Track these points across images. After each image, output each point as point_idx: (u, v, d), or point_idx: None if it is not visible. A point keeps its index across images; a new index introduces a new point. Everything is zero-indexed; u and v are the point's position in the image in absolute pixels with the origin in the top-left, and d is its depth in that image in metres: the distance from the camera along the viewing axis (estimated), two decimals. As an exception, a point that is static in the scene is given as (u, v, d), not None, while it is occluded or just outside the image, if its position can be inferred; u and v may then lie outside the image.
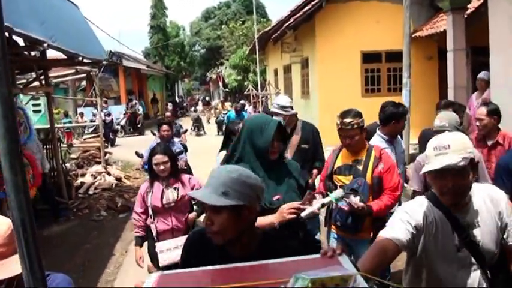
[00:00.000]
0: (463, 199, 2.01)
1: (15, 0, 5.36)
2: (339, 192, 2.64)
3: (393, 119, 4.23)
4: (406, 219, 2.04)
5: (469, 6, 9.03)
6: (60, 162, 9.48)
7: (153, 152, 4.10)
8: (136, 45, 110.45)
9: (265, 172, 2.60)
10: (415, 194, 3.68)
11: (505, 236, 2.08)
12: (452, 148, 1.91)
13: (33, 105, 15.13)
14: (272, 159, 2.61)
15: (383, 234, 2.04)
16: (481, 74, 7.06)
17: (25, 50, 7.08)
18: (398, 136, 4.55)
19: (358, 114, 3.55)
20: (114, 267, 5.93)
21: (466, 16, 8.73)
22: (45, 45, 5.55)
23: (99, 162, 12.04)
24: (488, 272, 2.06)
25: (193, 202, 4.20)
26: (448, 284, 2.04)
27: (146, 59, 39.78)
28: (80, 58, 7.23)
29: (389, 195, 3.51)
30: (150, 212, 4.04)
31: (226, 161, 2.70)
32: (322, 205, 2.49)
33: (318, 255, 1.58)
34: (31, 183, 6.44)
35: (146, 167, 6.28)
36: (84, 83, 24.85)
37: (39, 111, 15.35)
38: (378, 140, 4.29)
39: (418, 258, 2.09)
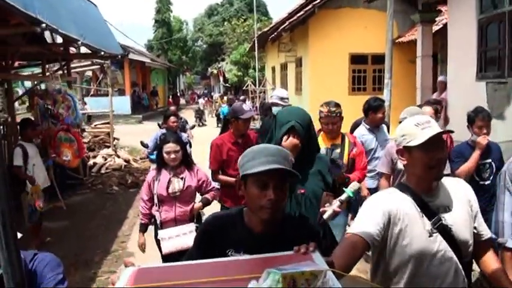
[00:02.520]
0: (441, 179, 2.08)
1: (57, 5, 6.57)
2: (354, 185, 2.51)
3: (370, 110, 5.23)
4: (373, 211, 2.02)
5: (446, 17, 10.29)
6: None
7: (165, 140, 4.08)
8: (138, 38, 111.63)
9: None
10: (382, 175, 4.56)
11: (476, 225, 2.10)
12: (432, 123, 1.98)
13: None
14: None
15: (352, 230, 2.00)
16: (441, 77, 8.33)
17: (60, 46, 8.30)
18: (384, 126, 5.44)
19: (339, 105, 4.29)
20: (129, 226, 7.22)
21: (442, 26, 10.00)
22: (79, 42, 6.77)
23: (108, 147, 13.30)
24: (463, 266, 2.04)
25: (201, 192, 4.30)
26: (422, 274, 2.00)
27: (149, 52, 40.85)
28: (102, 53, 8.42)
29: (360, 172, 4.28)
30: (156, 200, 4.05)
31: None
32: (341, 202, 2.42)
33: (291, 252, 1.59)
34: (76, 155, 7.82)
35: (151, 156, 6.75)
36: (89, 73, 26.03)
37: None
38: (362, 129, 5.32)
39: (389, 250, 2.03)
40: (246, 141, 4.49)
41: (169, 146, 3.99)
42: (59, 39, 8.20)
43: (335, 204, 2.40)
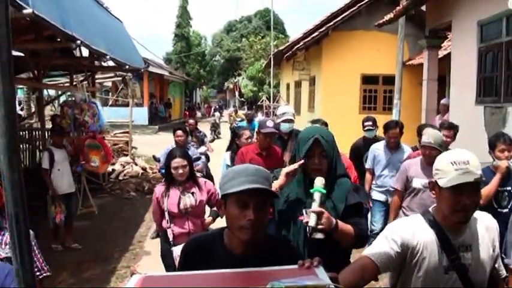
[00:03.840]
0: (470, 218, 1.99)
1: (89, 24, 7.19)
2: (318, 180, 2.36)
3: (383, 129, 5.73)
4: (391, 237, 1.99)
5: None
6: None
7: (172, 156, 4.11)
8: (157, 49, 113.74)
9: (304, 190, 2.51)
10: (395, 191, 4.66)
11: (496, 266, 2.08)
12: (471, 164, 1.87)
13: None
14: (313, 177, 2.42)
15: (366, 252, 2.00)
16: (443, 100, 8.81)
17: (86, 59, 8.94)
18: (406, 149, 5.62)
19: (323, 124, 4.48)
20: (146, 227, 7.74)
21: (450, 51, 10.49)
22: (108, 57, 7.39)
23: (126, 155, 13.91)
24: None
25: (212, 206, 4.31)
26: None
27: (167, 64, 41.63)
28: (127, 66, 9.04)
29: None
30: (167, 217, 4.07)
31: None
32: (316, 202, 2.28)
33: (295, 266, 1.60)
34: (103, 161, 8.25)
35: (163, 171, 6.86)
36: (108, 83, 26.80)
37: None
38: (379, 144, 5.75)
39: (402, 280, 2.04)
40: (269, 154, 4.77)
41: (177, 161, 4.02)
42: (85, 53, 8.86)
43: (313, 207, 2.26)
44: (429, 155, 4.19)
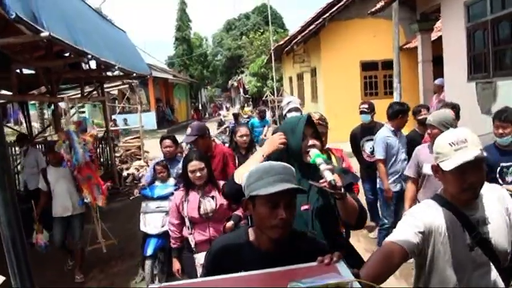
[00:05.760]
0: (479, 194, 1.97)
1: (96, 38, 7.62)
2: (314, 151, 2.23)
3: (400, 114, 5.27)
4: (413, 222, 1.96)
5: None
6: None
7: (188, 158, 3.89)
8: (159, 54, 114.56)
9: (301, 178, 2.27)
10: (408, 179, 4.41)
11: None
12: (469, 142, 1.87)
13: (80, 112, 17.78)
14: (308, 162, 2.26)
15: (390, 238, 1.95)
16: (436, 81, 9.17)
17: (94, 70, 9.40)
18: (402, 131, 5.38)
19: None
20: (165, 225, 8.16)
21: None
22: (116, 67, 7.84)
23: (139, 159, 14.39)
24: (503, 274, 1.98)
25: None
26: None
27: (169, 68, 41.95)
28: (134, 74, 9.49)
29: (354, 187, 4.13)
30: (187, 223, 3.86)
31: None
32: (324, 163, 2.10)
33: (314, 263, 1.54)
34: (95, 193, 6.35)
35: (144, 192, 5.63)
36: (114, 91, 27.35)
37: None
38: (386, 131, 5.37)
39: (429, 264, 1.98)
40: (212, 156, 4.64)
41: (193, 164, 3.80)
42: (93, 65, 9.30)
43: (322, 168, 2.08)
44: (430, 134, 4.05)
